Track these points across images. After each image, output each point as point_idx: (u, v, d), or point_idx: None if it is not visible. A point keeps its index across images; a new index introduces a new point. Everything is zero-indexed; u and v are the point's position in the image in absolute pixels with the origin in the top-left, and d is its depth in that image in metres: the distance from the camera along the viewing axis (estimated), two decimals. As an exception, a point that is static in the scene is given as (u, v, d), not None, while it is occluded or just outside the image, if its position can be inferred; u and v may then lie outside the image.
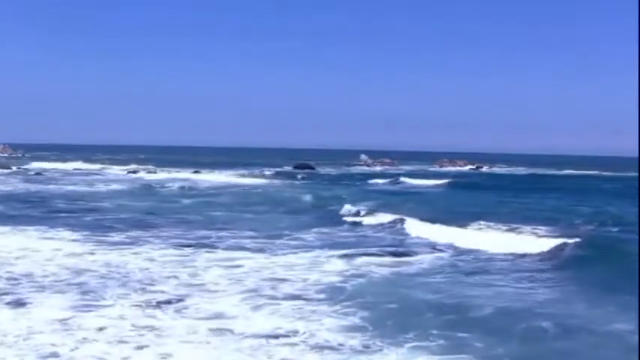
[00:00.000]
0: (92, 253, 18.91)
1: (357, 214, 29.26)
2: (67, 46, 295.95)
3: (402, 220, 26.40)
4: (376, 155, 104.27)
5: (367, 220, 27.59)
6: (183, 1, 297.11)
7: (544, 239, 21.57)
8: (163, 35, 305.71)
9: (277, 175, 64.57)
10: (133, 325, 11.77)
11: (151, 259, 18.18)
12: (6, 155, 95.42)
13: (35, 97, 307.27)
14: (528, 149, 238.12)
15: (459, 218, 26.25)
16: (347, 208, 30.48)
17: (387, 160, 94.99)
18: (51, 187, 44.46)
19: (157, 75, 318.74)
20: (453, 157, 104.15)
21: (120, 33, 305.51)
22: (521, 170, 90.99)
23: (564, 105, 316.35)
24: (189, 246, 20.45)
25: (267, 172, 67.51)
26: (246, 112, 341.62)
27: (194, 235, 23.03)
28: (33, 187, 43.37)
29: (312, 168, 79.95)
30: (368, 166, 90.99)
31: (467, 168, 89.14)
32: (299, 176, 63.00)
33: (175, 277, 15.96)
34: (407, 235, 24.23)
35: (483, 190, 47.12)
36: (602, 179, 66.68)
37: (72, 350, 10.44)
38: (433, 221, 25.25)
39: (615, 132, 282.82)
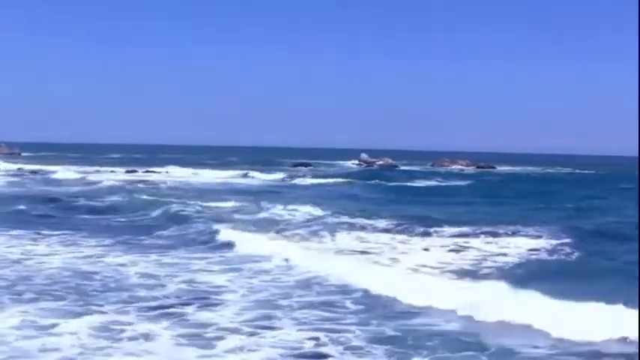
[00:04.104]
0: (102, 258, 17.77)
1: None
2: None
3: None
4: (379, 154, 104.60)
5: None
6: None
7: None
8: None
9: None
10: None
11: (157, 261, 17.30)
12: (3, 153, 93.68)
13: (30, 94, 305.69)
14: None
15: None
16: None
17: (388, 160, 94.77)
18: (55, 188, 42.30)
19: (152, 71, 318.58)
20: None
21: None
22: (519, 170, 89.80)
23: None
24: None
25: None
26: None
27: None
28: (37, 188, 41.66)
29: (310, 166, 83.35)
30: (369, 164, 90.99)
31: (470, 169, 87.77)
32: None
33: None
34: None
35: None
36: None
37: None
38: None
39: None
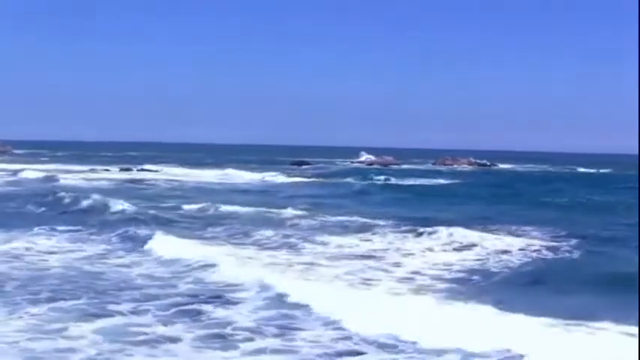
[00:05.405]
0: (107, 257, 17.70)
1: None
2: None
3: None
4: (380, 152, 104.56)
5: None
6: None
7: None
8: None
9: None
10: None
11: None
12: None
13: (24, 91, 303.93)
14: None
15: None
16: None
17: (389, 158, 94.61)
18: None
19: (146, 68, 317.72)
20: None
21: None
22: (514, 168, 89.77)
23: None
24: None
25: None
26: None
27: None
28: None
29: (308, 164, 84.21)
30: (369, 163, 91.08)
31: (472, 167, 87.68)
32: None
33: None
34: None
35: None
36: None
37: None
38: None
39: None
